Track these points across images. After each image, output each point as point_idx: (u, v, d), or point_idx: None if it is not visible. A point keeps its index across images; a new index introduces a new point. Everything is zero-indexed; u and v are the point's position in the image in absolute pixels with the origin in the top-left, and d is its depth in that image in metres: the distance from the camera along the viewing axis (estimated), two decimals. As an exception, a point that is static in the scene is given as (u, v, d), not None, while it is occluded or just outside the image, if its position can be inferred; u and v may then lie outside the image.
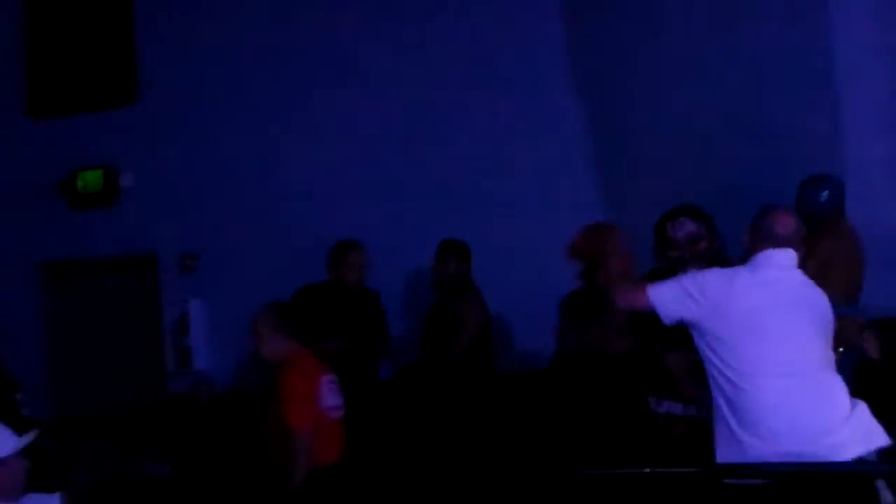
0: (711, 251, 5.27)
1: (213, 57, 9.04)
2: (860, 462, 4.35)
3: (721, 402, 4.46)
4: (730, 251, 5.27)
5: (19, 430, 6.50)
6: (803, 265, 4.70)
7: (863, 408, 4.47)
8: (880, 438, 4.43)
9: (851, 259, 6.29)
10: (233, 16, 9.01)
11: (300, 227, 8.58)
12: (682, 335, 4.67)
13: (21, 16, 9.73)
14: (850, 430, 4.37)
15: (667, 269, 5.15)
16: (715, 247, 5.29)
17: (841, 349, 5.06)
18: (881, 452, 4.44)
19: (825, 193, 6.33)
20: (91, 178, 9.30)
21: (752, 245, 4.64)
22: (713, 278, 4.58)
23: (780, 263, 4.59)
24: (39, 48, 9.70)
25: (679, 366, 5.01)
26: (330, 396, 6.16)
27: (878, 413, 4.48)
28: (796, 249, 4.62)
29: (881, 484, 4.46)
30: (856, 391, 4.59)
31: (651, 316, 4.64)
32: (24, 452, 4.74)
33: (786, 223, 4.62)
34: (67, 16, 9.66)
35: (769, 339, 4.43)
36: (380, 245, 7.77)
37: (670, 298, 4.55)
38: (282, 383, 6.05)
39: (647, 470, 4.66)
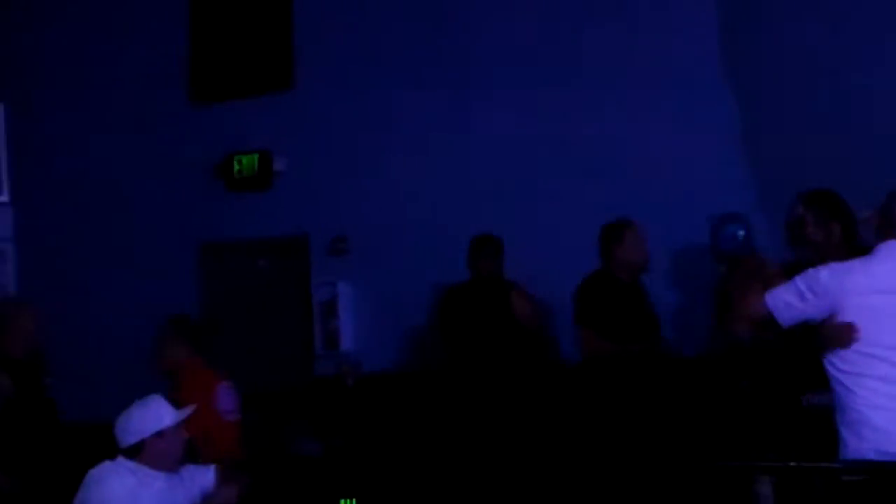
0: (821, 239, 5.11)
1: (368, 43, 9.16)
2: None
3: (835, 400, 4.40)
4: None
5: (46, 411, 6.71)
6: None
7: None
8: None
9: None
10: (386, 6, 9.13)
11: (448, 213, 8.65)
12: None
13: (184, 5, 10.02)
14: None
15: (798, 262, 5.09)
16: (824, 236, 5.11)
17: None
18: None
19: (741, 232, 6.98)
20: (247, 162, 9.52)
21: (879, 232, 4.46)
22: (826, 275, 4.40)
23: None
24: (201, 36, 9.96)
25: None
26: (226, 401, 6.59)
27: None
28: None
29: None
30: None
31: None
32: (181, 426, 4.94)
33: None
34: (228, 5, 9.92)
35: (878, 340, 4.29)
36: (518, 238, 7.85)
37: (785, 303, 4.42)
38: (181, 391, 6.39)
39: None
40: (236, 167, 9.54)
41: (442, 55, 8.84)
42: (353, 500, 5.55)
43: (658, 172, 7.90)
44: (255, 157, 9.49)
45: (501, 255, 7.66)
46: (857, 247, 4.97)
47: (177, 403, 6.38)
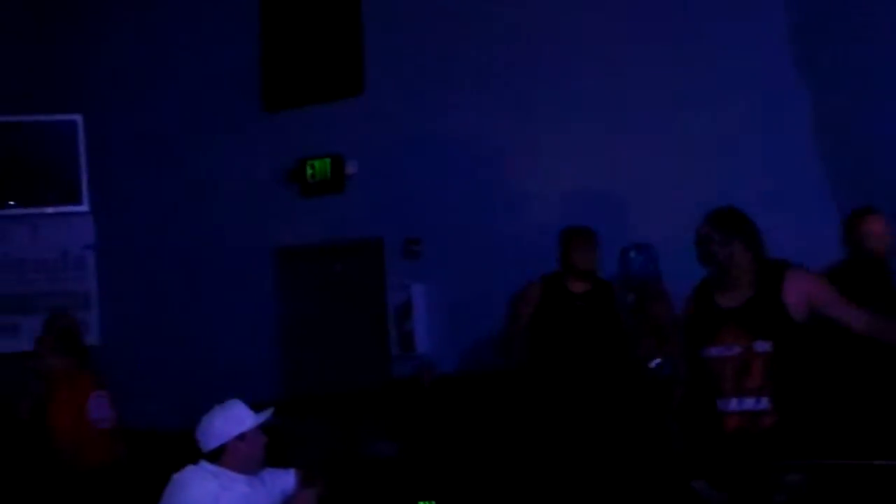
0: (724, 257, 5.21)
1: (437, 47, 9.19)
2: None
3: None
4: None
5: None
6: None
7: None
8: None
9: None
10: (457, 8, 9.15)
11: (521, 213, 8.65)
12: None
13: (255, 14, 10.14)
14: None
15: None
16: (727, 253, 5.21)
17: None
18: None
19: (642, 259, 6.90)
20: (319, 167, 9.61)
21: None
22: None
23: None
24: (273, 44, 10.07)
25: None
26: (98, 410, 6.79)
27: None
28: None
29: None
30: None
31: None
32: (261, 429, 4.99)
33: None
34: (299, 12, 10.00)
35: None
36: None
37: None
38: (55, 397, 6.70)
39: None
40: (309, 172, 9.63)
41: (511, 57, 8.84)
42: (432, 503, 5.57)
43: (744, 173, 7.84)
44: (328, 161, 9.57)
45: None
46: (763, 260, 5.16)
47: (50, 410, 6.74)
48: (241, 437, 4.87)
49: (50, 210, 9.01)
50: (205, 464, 4.87)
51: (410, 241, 9.27)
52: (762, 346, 5.03)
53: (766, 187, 7.65)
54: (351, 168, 9.54)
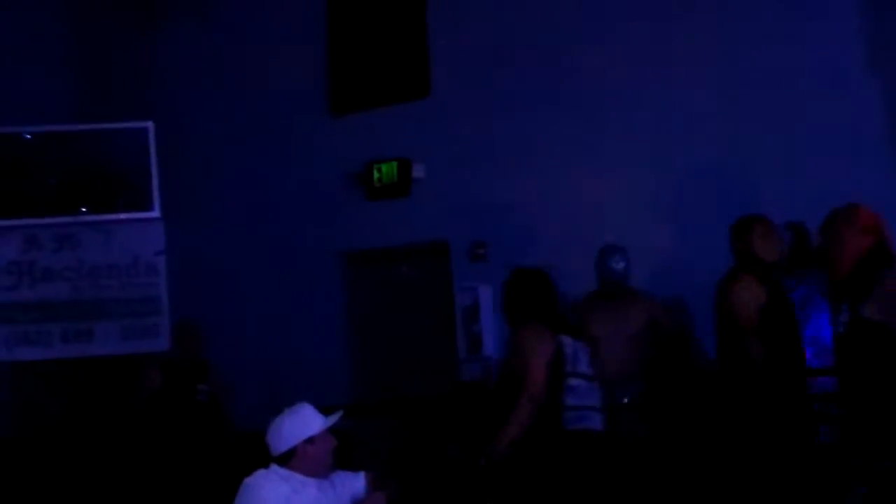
0: None
1: (503, 50, 9.19)
2: None
3: None
4: None
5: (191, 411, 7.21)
6: None
7: None
8: None
9: None
10: (522, 13, 9.13)
11: (584, 217, 8.63)
12: None
13: (322, 18, 10.20)
14: None
15: None
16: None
17: None
18: None
19: (622, 263, 7.38)
20: (386, 170, 9.65)
21: None
22: None
23: None
24: (339, 48, 10.14)
25: None
26: None
27: None
28: None
29: None
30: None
31: None
32: (330, 432, 5.03)
33: None
34: (365, 16, 10.06)
35: None
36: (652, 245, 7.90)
37: None
38: None
39: None
40: (376, 175, 9.67)
41: (578, 59, 8.82)
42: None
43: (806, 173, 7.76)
44: (395, 164, 9.60)
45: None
46: None
47: None
48: (311, 440, 4.91)
49: (122, 216, 9.11)
50: (275, 467, 4.92)
51: (476, 244, 9.28)
52: None
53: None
54: (418, 171, 9.56)
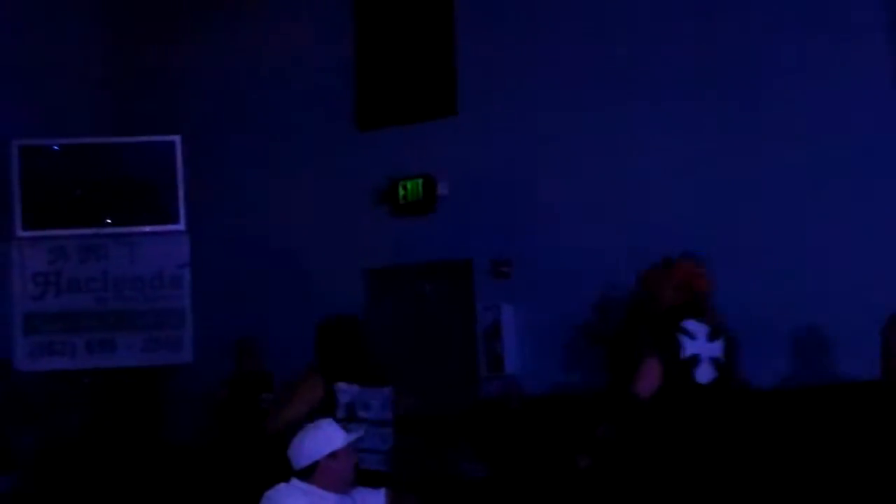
0: None
1: (530, 69, 9.22)
2: None
3: None
4: None
5: (259, 421, 7.13)
6: None
7: None
8: None
9: None
10: (550, 31, 9.15)
11: (609, 236, 8.63)
12: None
13: (350, 35, 10.26)
14: None
15: None
16: None
17: None
18: None
19: None
20: (411, 187, 9.66)
21: None
22: None
23: None
24: (367, 66, 10.17)
25: None
26: None
27: None
28: None
29: None
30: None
31: None
32: (352, 449, 5.04)
33: None
34: (393, 33, 10.10)
35: None
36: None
37: None
38: None
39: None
40: (401, 192, 9.69)
41: (605, 81, 8.85)
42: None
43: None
44: (420, 182, 9.62)
45: None
46: None
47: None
48: (333, 455, 4.92)
49: (147, 229, 9.18)
50: (296, 481, 4.93)
51: (500, 262, 9.28)
52: None
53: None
54: (442, 189, 9.58)
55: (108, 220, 9.24)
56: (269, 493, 4.90)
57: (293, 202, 10.24)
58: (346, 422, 6.33)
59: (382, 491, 5.14)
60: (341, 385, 6.59)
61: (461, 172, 9.52)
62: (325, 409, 6.38)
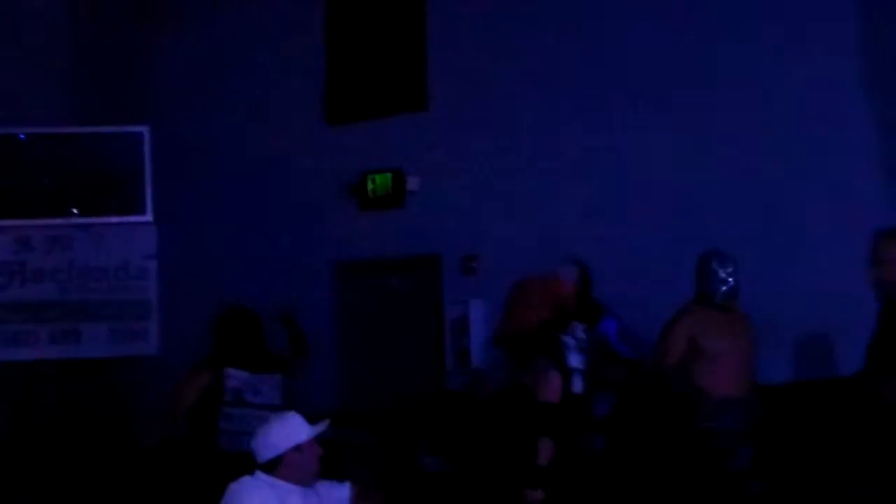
0: None
1: (501, 65, 9.21)
2: None
3: None
4: None
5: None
6: None
7: None
8: None
9: None
10: (522, 27, 9.15)
11: (576, 233, 8.62)
12: None
13: (320, 27, 10.21)
14: None
15: None
16: None
17: None
18: None
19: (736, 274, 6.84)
20: (380, 181, 9.66)
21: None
22: None
23: None
24: (338, 60, 10.14)
25: None
26: None
27: None
28: None
29: None
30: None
31: None
32: (317, 441, 5.03)
33: None
34: (364, 27, 10.07)
35: None
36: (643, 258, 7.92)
37: None
38: None
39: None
40: (370, 186, 9.68)
41: (574, 77, 8.85)
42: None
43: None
44: (389, 176, 9.61)
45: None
46: None
47: None
48: (298, 448, 4.91)
49: (114, 220, 9.13)
50: (260, 474, 4.91)
51: (468, 257, 9.29)
52: None
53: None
54: (412, 184, 9.58)
55: (75, 211, 9.17)
56: (234, 487, 4.89)
57: (262, 195, 10.21)
58: (233, 406, 7.04)
59: (347, 485, 5.13)
60: (230, 370, 7.11)
61: (431, 167, 9.51)
62: (214, 393, 7.03)
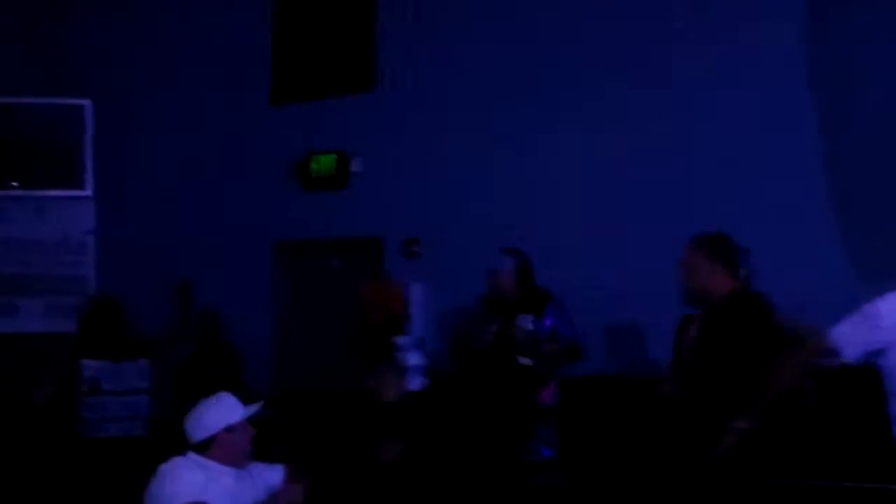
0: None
1: (447, 50, 9.19)
2: None
3: None
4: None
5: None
6: None
7: None
8: None
9: None
10: (469, 10, 9.14)
11: (519, 216, 8.65)
12: None
13: (269, 9, 10.14)
14: None
15: None
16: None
17: None
18: None
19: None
20: (325, 162, 9.61)
21: None
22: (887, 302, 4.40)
23: None
24: (284, 37, 10.08)
25: None
26: None
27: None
28: None
29: None
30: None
31: None
32: (251, 422, 5.00)
33: None
34: (311, 8, 10.01)
35: None
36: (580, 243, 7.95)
37: (855, 336, 4.41)
38: None
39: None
40: (314, 167, 9.63)
41: (520, 64, 8.85)
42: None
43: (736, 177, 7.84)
44: (333, 157, 9.56)
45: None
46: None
47: None
48: (231, 428, 4.88)
49: (53, 193, 9.03)
50: (192, 455, 4.88)
51: (411, 241, 9.28)
52: None
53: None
54: (356, 165, 9.54)
55: (14, 183, 9.06)
56: (164, 468, 4.84)
57: (204, 172, 10.14)
58: (90, 395, 7.43)
59: (280, 467, 5.11)
60: (85, 361, 7.51)
61: (376, 150, 9.48)
62: (71, 384, 7.45)
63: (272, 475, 5.06)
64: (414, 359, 6.79)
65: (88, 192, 9.02)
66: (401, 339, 6.84)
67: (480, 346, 6.91)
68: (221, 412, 4.90)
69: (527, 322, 6.75)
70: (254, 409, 5.00)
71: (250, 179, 9.94)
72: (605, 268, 8.01)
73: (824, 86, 7.68)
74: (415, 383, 6.71)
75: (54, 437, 7.39)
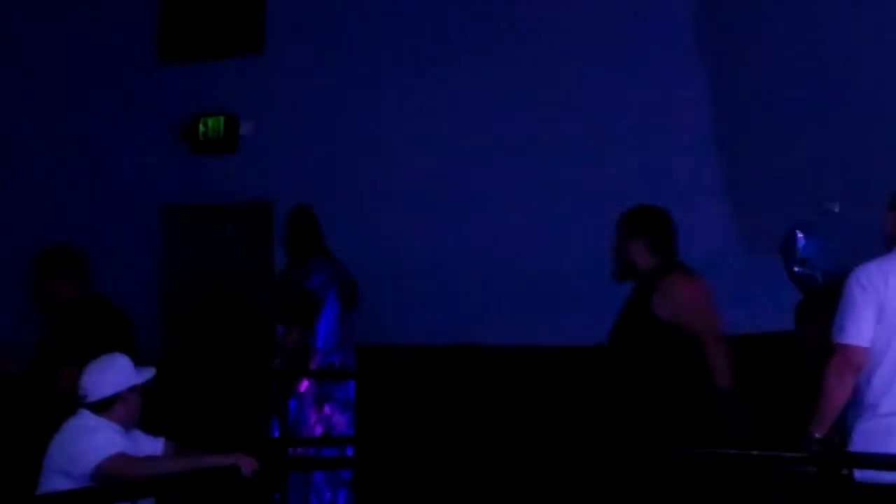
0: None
1: (340, 10, 9.12)
2: None
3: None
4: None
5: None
6: None
7: None
8: None
9: None
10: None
11: (416, 180, 8.63)
12: None
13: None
14: None
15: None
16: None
17: None
18: None
19: None
20: (213, 125, 9.45)
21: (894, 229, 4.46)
22: (867, 271, 4.41)
23: None
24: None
25: None
26: None
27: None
28: None
29: None
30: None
31: None
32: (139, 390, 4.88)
33: None
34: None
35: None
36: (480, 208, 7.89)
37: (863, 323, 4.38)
38: None
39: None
40: (202, 129, 9.47)
41: (417, 26, 8.81)
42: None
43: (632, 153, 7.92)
44: (221, 119, 9.41)
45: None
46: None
47: None
48: (133, 389, 4.80)
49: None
50: (87, 414, 4.74)
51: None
52: None
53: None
54: (245, 128, 9.41)
55: None
56: (73, 424, 4.69)
57: (87, 134, 9.87)
58: None
59: (161, 440, 4.96)
60: None
61: (266, 113, 9.37)
62: None
63: (153, 446, 4.91)
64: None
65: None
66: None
67: None
68: (125, 373, 4.80)
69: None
70: (148, 374, 4.90)
71: (137, 140, 9.70)
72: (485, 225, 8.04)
73: (716, 60, 7.81)
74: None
75: None
